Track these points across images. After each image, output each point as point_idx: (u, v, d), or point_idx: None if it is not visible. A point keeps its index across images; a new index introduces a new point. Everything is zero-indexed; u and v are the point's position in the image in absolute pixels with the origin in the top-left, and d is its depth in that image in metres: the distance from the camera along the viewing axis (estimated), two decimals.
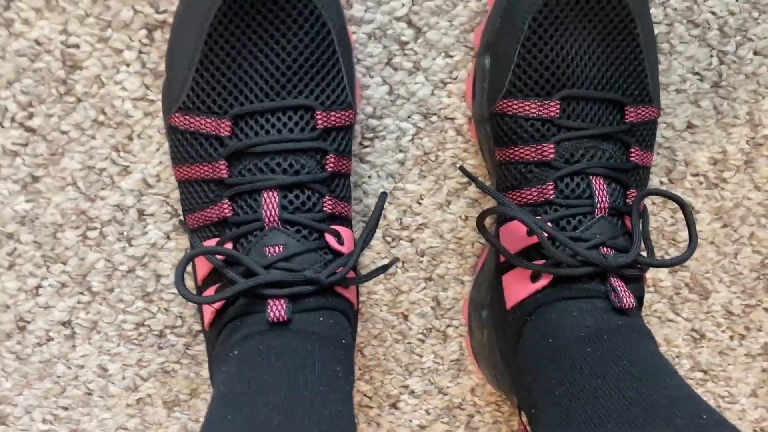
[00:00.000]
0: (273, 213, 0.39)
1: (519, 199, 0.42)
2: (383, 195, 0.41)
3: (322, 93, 0.40)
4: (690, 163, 0.51)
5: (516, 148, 0.42)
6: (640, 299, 0.42)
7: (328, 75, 0.40)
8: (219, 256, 0.39)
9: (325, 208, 0.40)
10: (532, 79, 0.41)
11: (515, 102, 0.42)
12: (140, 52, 0.45)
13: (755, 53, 0.49)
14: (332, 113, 0.41)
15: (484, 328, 0.47)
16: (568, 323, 0.39)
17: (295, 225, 0.40)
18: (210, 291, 0.40)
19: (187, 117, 0.40)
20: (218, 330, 0.40)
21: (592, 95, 0.41)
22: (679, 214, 0.52)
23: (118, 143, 0.47)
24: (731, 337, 0.56)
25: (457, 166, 0.45)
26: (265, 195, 0.39)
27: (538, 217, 0.41)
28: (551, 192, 0.41)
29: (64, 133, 0.46)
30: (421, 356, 0.54)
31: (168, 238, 0.49)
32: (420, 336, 0.53)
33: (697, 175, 0.52)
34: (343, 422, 0.35)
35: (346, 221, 0.43)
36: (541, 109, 0.41)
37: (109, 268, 0.50)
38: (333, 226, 0.41)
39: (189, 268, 0.45)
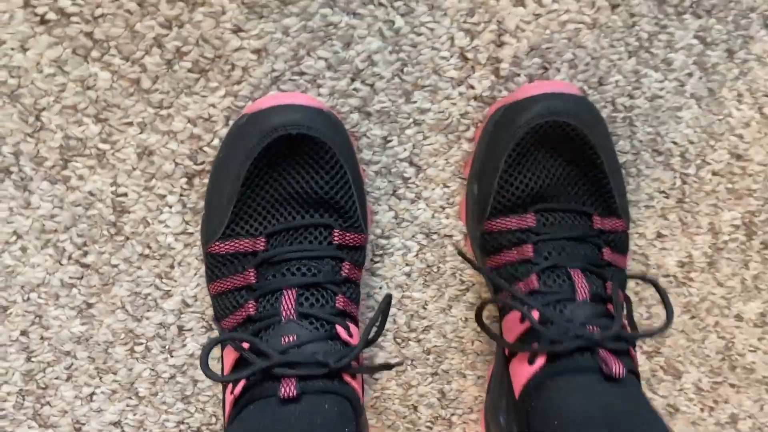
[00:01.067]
0: (290, 307, 0.45)
1: (509, 295, 0.47)
2: (388, 296, 0.46)
3: (340, 217, 0.48)
4: (661, 266, 0.58)
5: (502, 254, 0.49)
6: (635, 374, 0.45)
7: (345, 204, 0.47)
8: (244, 344, 0.44)
9: (337, 305, 0.46)
10: (510, 202, 0.48)
11: (498, 220, 0.49)
12: (181, 195, 0.52)
13: (713, 174, 0.56)
14: (347, 233, 0.48)
15: (504, 430, 0.51)
16: (571, 403, 0.42)
17: (309, 317, 0.45)
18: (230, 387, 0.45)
19: (226, 243, 0.47)
20: (236, 414, 0.44)
21: (564, 207, 0.48)
22: (654, 309, 0.60)
23: (162, 271, 0.54)
24: (702, 410, 0.63)
25: (456, 250, 0.52)
26: (285, 293, 0.45)
27: (526, 306, 0.45)
28: (535, 282, 0.46)
29: (114, 266, 0.53)
30: None
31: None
32: (428, 424, 0.60)
33: (667, 276, 0.59)
34: None
35: (355, 321, 0.49)
36: (520, 221, 0.48)
37: (154, 376, 0.57)
38: (344, 321, 0.46)
39: (218, 362, 0.51)
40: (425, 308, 0.58)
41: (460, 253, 0.50)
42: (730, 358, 0.62)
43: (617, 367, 0.42)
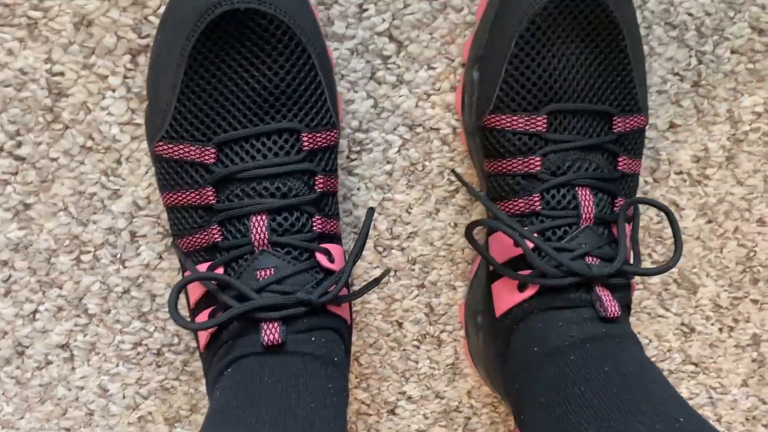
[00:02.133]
0: (262, 236, 0.39)
1: (507, 209, 0.43)
2: (371, 211, 0.42)
3: (306, 116, 0.41)
4: (673, 162, 0.52)
5: (504, 161, 0.43)
6: (627, 307, 0.43)
7: (311, 98, 0.41)
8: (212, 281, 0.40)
9: (314, 228, 0.41)
10: (519, 95, 0.42)
11: (503, 117, 0.42)
12: (125, 77, 0.46)
13: (732, 52, 0.50)
14: (318, 134, 0.41)
15: (479, 332, 0.48)
16: (554, 332, 0.40)
17: (285, 247, 0.40)
18: (203, 314, 0.41)
19: (170, 146, 0.40)
20: (214, 351, 0.41)
21: (580, 108, 0.42)
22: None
23: (107, 168, 0.47)
24: (720, 330, 0.57)
25: (449, 170, 0.46)
26: (254, 219, 0.39)
27: (525, 228, 0.41)
28: (537, 203, 0.42)
29: (53, 160, 0.47)
30: (416, 362, 0.54)
31: (161, 258, 0.50)
32: (415, 343, 0.54)
33: (680, 173, 0.52)
34: None
35: (336, 238, 0.43)
36: (528, 123, 0.42)
37: (105, 290, 0.50)
38: (323, 245, 0.41)
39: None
40: (409, 212, 0.51)
41: (454, 172, 0.44)
42: (751, 269, 0.55)
43: (612, 309, 0.39)
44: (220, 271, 0.40)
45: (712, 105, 0.51)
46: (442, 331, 0.54)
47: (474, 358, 0.52)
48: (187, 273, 0.42)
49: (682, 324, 0.57)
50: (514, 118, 0.42)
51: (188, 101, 0.39)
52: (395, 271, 0.52)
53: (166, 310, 0.51)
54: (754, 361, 0.58)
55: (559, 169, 0.42)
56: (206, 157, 0.40)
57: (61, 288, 0.50)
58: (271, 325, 0.38)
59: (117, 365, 0.52)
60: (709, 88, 0.50)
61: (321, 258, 0.41)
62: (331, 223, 0.42)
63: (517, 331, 0.42)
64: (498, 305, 0.43)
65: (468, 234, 0.43)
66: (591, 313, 0.40)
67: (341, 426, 0.37)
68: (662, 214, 0.53)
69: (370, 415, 0.56)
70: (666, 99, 0.50)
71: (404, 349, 0.54)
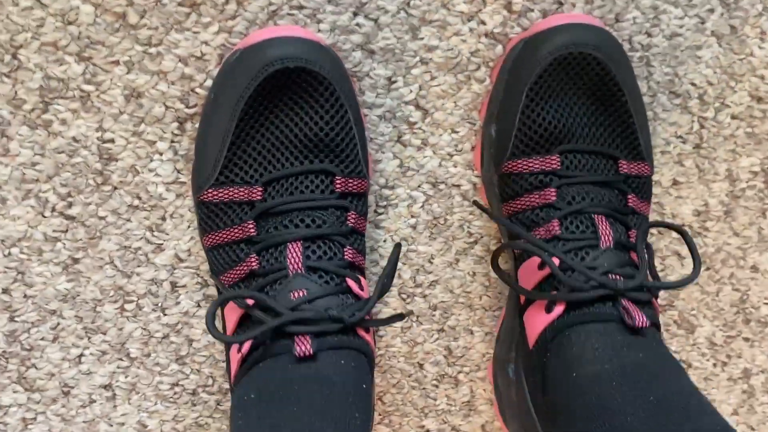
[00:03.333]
0: (297, 261, 0.42)
1: (528, 241, 0.45)
2: (398, 246, 0.45)
3: (341, 162, 0.45)
4: (676, 215, 0.56)
5: (521, 198, 0.46)
6: (656, 326, 0.43)
7: (346, 147, 0.44)
8: (249, 301, 0.42)
9: (346, 257, 0.44)
10: (533, 140, 0.45)
11: (519, 161, 0.46)
12: (172, 141, 0.49)
13: (732, 117, 0.54)
14: (350, 180, 0.45)
15: (512, 384, 0.49)
16: (589, 356, 0.40)
17: (318, 271, 0.43)
18: (236, 347, 0.43)
19: (219, 190, 0.44)
20: (243, 375, 0.42)
21: (588, 149, 0.45)
22: (668, 261, 0.57)
23: (152, 224, 0.51)
24: (714, 365, 0.61)
25: (471, 201, 0.49)
26: (290, 246, 0.43)
27: (547, 252, 0.43)
28: (557, 228, 0.44)
29: (101, 218, 0.50)
30: (435, 399, 0.58)
31: (199, 306, 0.53)
32: (434, 382, 0.58)
33: (683, 225, 0.56)
34: None
35: (363, 273, 0.46)
36: (543, 163, 0.45)
37: (146, 336, 0.54)
38: (353, 273, 0.44)
39: (220, 322, 0.49)
40: (431, 262, 0.55)
41: (476, 203, 0.48)
42: (744, 311, 0.60)
43: (640, 318, 0.40)
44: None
45: (713, 165, 0.55)
46: (459, 372, 0.58)
47: (507, 418, 0.53)
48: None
49: (681, 360, 0.61)
50: (530, 160, 0.45)
51: (239, 150, 0.43)
52: (417, 316, 0.56)
53: (202, 354, 0.55)
54: (744, 392, 0.62)
55: (574, 200, 0.44)
56: (254, 196, 0.43)
57: (105, 334, 0.53)
58: (303, 338, 0.40)
59: (155, 403, 0.55)
60: (709, 150, 0.54)
61: (352, 284, 0.43)
62: (360, 258, 0.46)
63: (550, 358, 0.42)
64: (530, 334, 0.45)
65: (494, 263, 0.46)
66: (621, 331, 0.41)
67: None
68: (665, 263, 0.57)
69: None
70: (669, 159, 0.54)
71: (424, 388, 0.58)
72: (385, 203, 0.53)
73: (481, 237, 0.55)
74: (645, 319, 0.40)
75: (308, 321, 0.40)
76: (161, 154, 0.49)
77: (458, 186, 0.53)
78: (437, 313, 0.56)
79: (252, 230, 0.43)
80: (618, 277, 0.42)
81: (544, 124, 0.45)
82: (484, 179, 0.51)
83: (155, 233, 0.51)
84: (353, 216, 0.45)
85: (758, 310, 0.60)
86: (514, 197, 0.47)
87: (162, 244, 0.51)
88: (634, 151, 0.47)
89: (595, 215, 0.44)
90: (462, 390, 0.58)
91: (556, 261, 0.43)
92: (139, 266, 0.52)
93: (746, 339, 0.61)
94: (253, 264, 0.43)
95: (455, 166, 0.53)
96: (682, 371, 0.41)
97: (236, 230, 0.44)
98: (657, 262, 0.57)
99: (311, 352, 0.40)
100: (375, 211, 0.53)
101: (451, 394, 0.58)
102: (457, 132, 0.52)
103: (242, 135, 0.43)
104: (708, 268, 0.58)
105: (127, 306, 0.53)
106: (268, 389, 0.40)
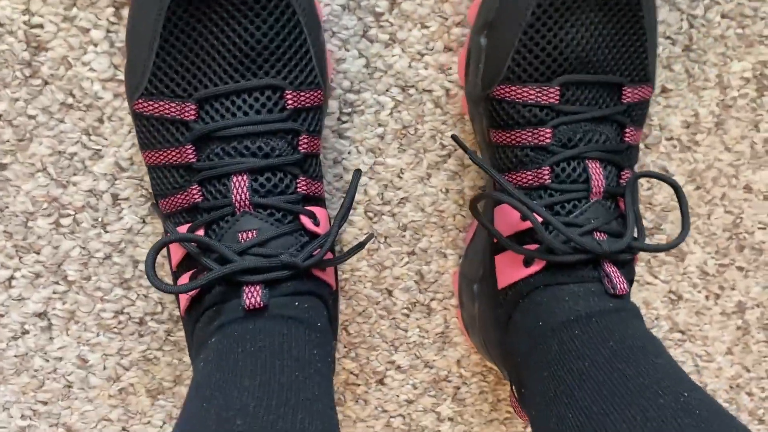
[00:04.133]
0: (244, 197, 0.38)
1: (514, 181, 0.42)
2: (357, 173, 0.41)
3: (290, 73, 0.39)
4: (665, 127, 0.52)
5: (512, 132, 0.42)
6: (631, 281, 0.42)
7: (295, 55, 0.39)
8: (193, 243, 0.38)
9: (299, 190, 0.40)
10: (532, 66, 0.40)
11: (513, 88, 0.41)
12: (108, 30, 0.44)
13: (722, 16, 0.50)
14: (302, 93, 0.40)
15: (476, 301, 0.47)
16: (559, 307, 0.39)
17: (268, 208, 0.39)
18: (185, 277, 0.39)
19: (150, 102, 0.39)
20: (196, 317, 0.39)
21: (592, 79, 0.41)
22: (655, 180, 0.53)
23: (89, 126, 0.46)
24: (707, 297, 0.57)
25: (450, 136, 0.44)
26: (234, 179, 0.38)
27: (534, 202, 0.40)
28: (547, 176, 0.41)
29: (31, 117, 0.45)
30: (406, 331, 0.54)
31: (144, 222, 0.48)
32: (404, 311, 0.53)
33: (671, 138, 0.52)
34: (321, 406, 0.34)
35: (321, 201, 0.42)
36: (540, 95, 0.41)
37: (85, 256, 0.48)
38: (308, 207, 0.40)
39: (164, 253, 0.44)
40: (401, 177, 0.50)
41: (454, 138, 0.43)
42: (737, 236, 0.56)
43: (621, 286, 0.39)
44: (201, 232, 0.39)
45: (703, 70, 0.51)
46: (432, 299, 0.53)
47: (468, 327, 0.51)
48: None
49: (670, 291, 0.57)
50: (526, 89, 0.41)
51: (168, 56, 0.38)
52: (385, 237, 0.51)
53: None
54: (738, 328, 0.58)
55: (570, 141, 0.41)
56: (186, 114, 0.38)
57: (38, 253, 0.48)
58: (252, 289, 0.37)
59: (97, 335, 0.50)
60: (699, 52, 0.50)
61: (306, 221, 0.39)
62: (316, 185, 0.41)
63: (520, 306, 0.41)
64: (501, 278, 0.43)
65: (473, 207, 0.42)
66: (598, 287, 0.39)
67: (327, 394, 0.36)
68: (651, 180, 0.53)
69: (359, 385, 0.55)
70: (658, 63, 0.50)
71: (393, 318, 0.53)
72: (349, 109, 0.49)
73: (454, 150, 0.50)
74: (626, 286, 0.39)
75: (259, 270, 0.37)
76: (96, 45, 0.44)
77: (430, 91, 0.49)
78: (407, 234, 0.51)
79: (191, 156, 0.38)
80: (603, 236, 0.40)
81: (548, 48, 0.40)
82: (467, 92, 0.46)
83: (92, 137, 0.46)
84: (305, 140, 0.40)
85: (752, 235, 0.56)
86: (504, 127, 0.42)
87: (100, 150, 0.46)
88: (641, 73, 0.42)
89: (590, 161, 0.41)
90: (435, 320, 0.53)
91: (539, 218, 0.39)
92: (75, 174, 0.46)
93: (740, 268, 0.57)
94: (196, 197, 0.39)
95: (426, 68, 0.48)
96: (642, 321, 0.40)
97: (174, 152, 0.39)
98: (643, 180, 0.53)
99: (261, 304, 0.36)
100: (339, 119, 0.49)
101: (424, 324, 0.53)
102: (427, 27, 0.47)
103: (171, 39, 0.38)
104: (698, 188, 0.54)
105: (62, 221, 0.47)
106: (221, 344, 0.37)
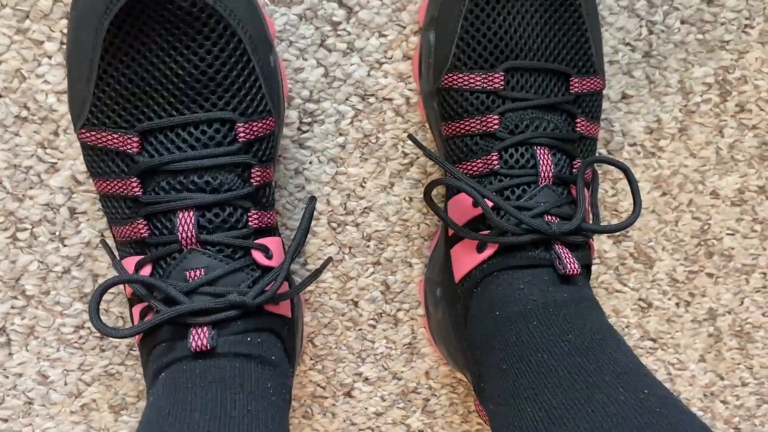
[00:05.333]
0: (189, 234, 0.37)
1: (466, 170, 0.42)
2: (312, 200, 0.39)
3: (240, 104, 0.38)
4: (627, 133, 0.52)
5: (461, 121, 0.42)
6: (587, 267, 0.42)
7: (244, 84, 0.38)
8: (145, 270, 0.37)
9: (250, 223, 0.38)
10: (475, 52, 0.41)
11: (460, 75, 0.41)
12: (61, 42, 0.44)
13: (682, 22, 0.50)
14: (254, 123, 0.38)
15: (439, 305, 0.47)
16: (514, 296, 0.39)
17: (216, 245, 0.37)
18: (138, 307, 0.38)
19: (93, 132, 0.37)
20: (149, 349, 0.38)
21: (537, 66, 0.41)
22: (620, 185, 0.53)
23: (44, 139, 0.45)
24: (677, 304, 0.57)
25: (407, 135, 0.45)
26: (180, 215, 0.37)
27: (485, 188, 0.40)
28: (496, 162, 0.41)
29: None
30: (373, 342, 0.53)
31: (102, 235, 0.48)
32: (371, 322, 0.53)
33: (634, 144, 0.52)
34: None
35: (274, 230, 0.41)
36: (485, 81, 0.41)
37: (43, 270, 0.48)
38: (259, 241, 0.39)
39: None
40: (363, 186, 0.50)
41: (410, 137, 0.43)
42: (706, 242, 0.55)
43: (572, 266, 0.38)
44: (148, 268, 0.37)
45: (664, 76, 0.51)
46: (398, 310, 0.53)
47: (434, 336, 0.50)
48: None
49: (640, 299, 0.56)
50: (471, 75, 0.41)
51: (107, 87, 0.36)
52: (350, 248, 0.51)
53: (112, 291, 0.49)
54: (710, 336, 0.58)
55: (517, 128, 0.41)
56: (129, 146, 0.37)
57: None
58: (200, 330, 0.35)
59: (58, 350, 0.50)
60: (660, 58, 0.50)
61: (257, 255, 0.38)
62: (268, 216, 0.40)
63: (476, 295, 0.41)
64: (457, 269, 0.42)
65: (427, 195, 0.42)
66: (551, 274, 0.39)
67: (282, 426, 0.35)
68: (617, 186, 0.53)
69: (326, 398, 0.54)
70: (618, 69, 0.50)
71: (360, 329, 0.53)
72: (310, 119, 0.48)
73: (417, 158, 0.50)
74: (577, 266, 0.38)
75: (207, 311, 0.36)
76: (50, 57, 0.44)
77: (390, 100, 0.49)
78: (371, 244, 0.51)
79: (136, 189, 0.37)
80: (554, 218, 0.40)
81: (488, 34, 0.41)
82: (422, 92, 0.46)
83: (48, 150, 0.46)
84: (258, 171, 0.38)
85: (721, 241, 0.56)
86: (454, 118, 0.42)
87: (56, 163, 0.46)
88: (587, 64, 0.43)
89: (537, 147, 0.41)
90: (402, 330, 0.53)
91: (489, 204, 0.39)
92: (31, 188, 0.46)
93: (710, 275, 0.56)
94: (143, 231, 0.37)
95: (385, 77, 0.48)
96: (601, 312, 0.39)
97: (119, 184, 0.38)
98: (608, 185, 0.53)
99: (207, 347, 0.35)
100: (299, 129, 0.48)
101: (391, 335, 0.53)
102: (385, 36, 0.47)
103: (109, 70, 0.36)
104: (665, 194, 0.54)
105: (19, 235, 0.47)
106: (171, 379, 0.36)
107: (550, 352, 0.35)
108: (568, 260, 0.39)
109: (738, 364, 0.59)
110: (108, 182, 0.38)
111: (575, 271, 0.38)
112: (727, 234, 0.56)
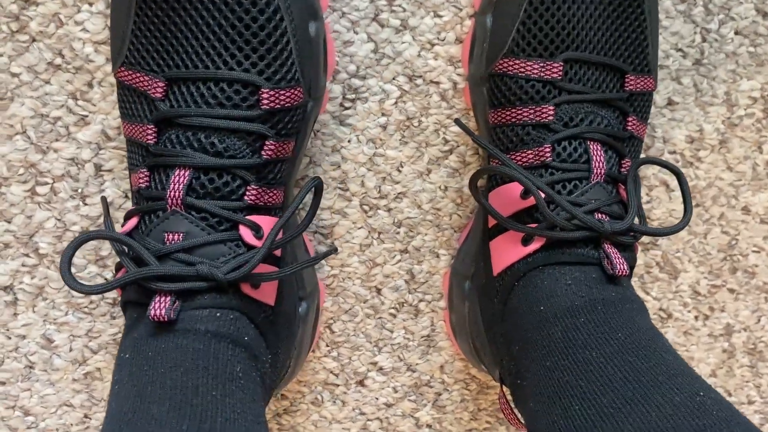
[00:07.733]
0: (177, 194, 0.35)
1: (515, 161, 0.41)
2: (317, 180, 0.37)
3: (268, 68, 0.36)
4: (668, 140, 0.51)
5: (513, 109, 0.41)
6: (632, 268, 0.41)
7: (275, 47, 0.36)
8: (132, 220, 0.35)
9: (246, 197, 0.36)
10: (536, 39, 0.40)
11: (517, 61, 0.40)
12: None
13: (736, 33, 0.49)
14: (281, 91, 0.36)
15: (466, 300, 0.45)
16: (561, 291, 0.38)
17: (201, 212, 0.35)
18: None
19: (129, 72, 0.36)
20: (124, 309, 0.37)
21: (595, 60, 0.40)
22: (655, 192, 0.52)
23: (76, 90, 0.43)
24: (696, 318, 0.56)
25: (453, 120, 0.43)
26: (177, 173, 0.35)
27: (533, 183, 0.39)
28: (548, 154, 0.39)
29: (14, 75, 0.42)
30: (391, 332, 0.52)
31: (126, 196, 0.45)
32: (392, 311, 0.51)
33: (674, 153, 0.52)
34: (244, 424, 0.31)
35: (274, 210, 0.38)
36: (543, 70, 0.40)
37: (60, 229, 0.45)
38: (252, 217, 0.37)
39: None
40: (400, 170, 0.48)
41: (457, 121, 0.41)
42: (731, 258, 0.55)
43: (621, 267, 0.37)
44: (134, 221, 0.36)
45: (711, 85, 0.50)
46: (420, 300, 0.51)
47: (456, 330, 0.49)
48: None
49: (660, 309, 0.56)
50: (529, 63, 0.40)
51: (143, 26, 0.36)
52: (379, 233, 0.49)
53: None
54: (724, 351, 0.58)
55: (572, 121, 0.40)
56: (154, 90, 0.35)
57: (9, 222, 0.45)
58: (162, 298, 0.33)
59: (66, 314, 0.47)
60: (710, 67, 0.50)
61: (245, 232, 0.36)
62: (271, 194, 0.38)
63: (518, 289, 0.40)
64: (497, 262, 0.41)
65: (472, 184, 0.40)
66: (599, 273, 0.38)
67: (252, 410, 0.33)
68: (651, 194, 0.52)
69: (338, 385, 0.52)
70: (667, 74, 0.49)
71: (380, 317, 0.51)
72: (353, 96, 0.47)
73: (457, 146, 0.48)
74: (626, 267, 0.37)
75: (172, 277, 0.33)
76: (91, 4, 0.41)
77: (437, 83, 0.47)
78: (402, 231, 0.50)
79: (150, 137, 0.36)
80: (605, 217, 0.39)
81: (552, 21, 0.39)
82: (470, 79, 0.45)
83: (79, 102, 0.43)
84: (272, 145, 0.37)
85: (746, 258, 0.55)
86: (505, 105, 0.41)
87: (87, 116, 0.43)
88: (643, 62, 0.42)
89: (591, 142, 0.39)
90: (422, 321, 0.51)
91: (543, 195, 0.38)
92: (57, 140, 0.44)
93: (731, 290, 0.56)
94: (142, 181, 0.36)
95: (435, 59, 0.46)
96: (648, 315, 0.38)
97: (139, 129, 0.36)
98: (643, 192, 0.52)
99: (165, 318, 0.33)
100: (341, 105, 0.47)
101: (410, 326, 0.52)
102: (440, 16, 0.46)
103: (145, 9, 0.35)
104: (697, 205, 0.53)
105: (39, 189, 0.44)
106: (132, 364, 0.33)
107: (599, 350, 0.34)
108: (617, 260, 0.38)
109: (747, 381, 0.59)
110: (132, 126, 0.37)
111: (624, 272, 0.37)
112: (753, 251, 0.55)
